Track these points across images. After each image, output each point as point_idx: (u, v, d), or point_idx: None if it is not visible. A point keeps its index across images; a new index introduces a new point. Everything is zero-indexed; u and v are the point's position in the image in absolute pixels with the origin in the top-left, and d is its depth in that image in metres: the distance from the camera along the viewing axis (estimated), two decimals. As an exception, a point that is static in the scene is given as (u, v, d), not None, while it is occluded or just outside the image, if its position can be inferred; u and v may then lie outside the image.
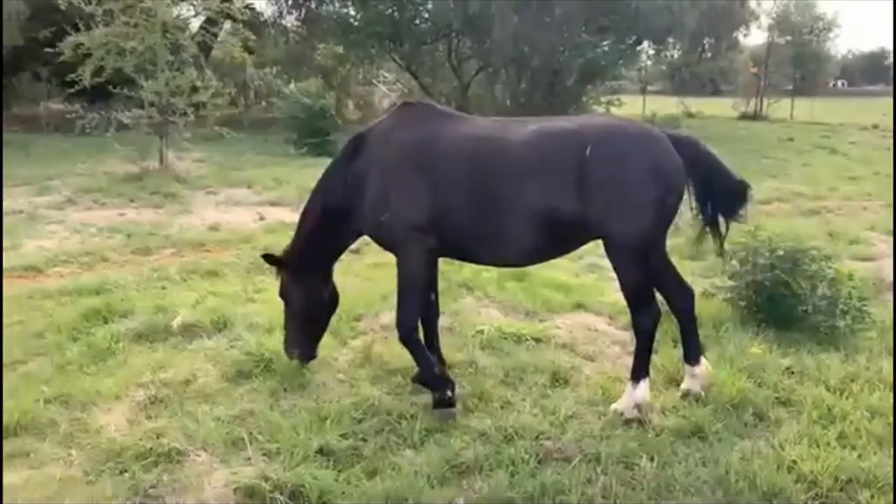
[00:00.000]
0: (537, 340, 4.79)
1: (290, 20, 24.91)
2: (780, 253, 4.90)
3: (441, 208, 3.69)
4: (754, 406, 3.83)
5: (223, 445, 3.45)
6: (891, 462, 3.31)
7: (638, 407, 3.71)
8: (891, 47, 60.16)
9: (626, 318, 4.26)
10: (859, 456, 3.35)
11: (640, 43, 23.53)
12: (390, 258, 4.00)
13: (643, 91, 33.72)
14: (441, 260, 4.13)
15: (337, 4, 22.48)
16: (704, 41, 44.57)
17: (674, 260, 4.10)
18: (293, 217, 5.02)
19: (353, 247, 4.44)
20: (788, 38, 34.15)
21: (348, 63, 22.88)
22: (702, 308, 4.53)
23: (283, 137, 16.46)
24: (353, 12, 21.77)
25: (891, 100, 25.53)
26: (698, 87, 46.09)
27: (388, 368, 4.32)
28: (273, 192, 10.53)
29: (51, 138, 16.61)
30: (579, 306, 5.51)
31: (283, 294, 4.22)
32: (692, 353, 3.97)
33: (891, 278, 6.11)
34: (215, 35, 17.12)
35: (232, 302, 5.43)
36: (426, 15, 21.22)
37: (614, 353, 4.67)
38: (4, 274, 6.09)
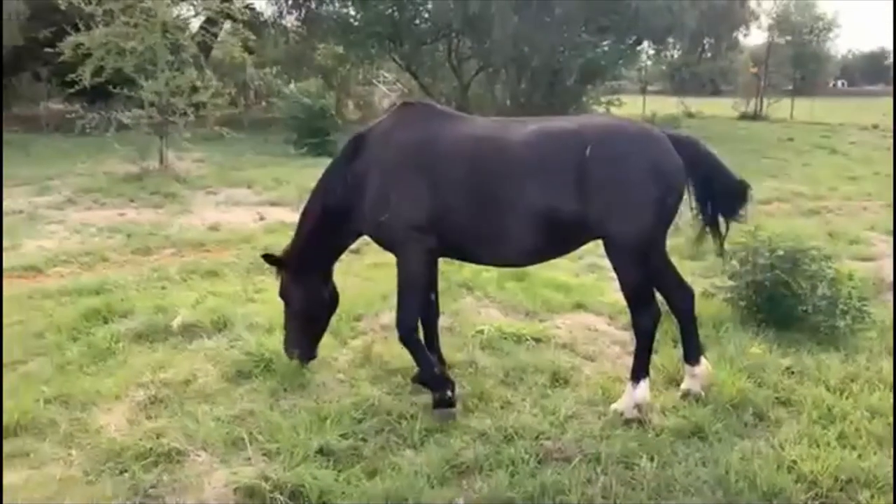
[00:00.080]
0: (537, 340, 4.79)
1: (290, 20, 24.94)
2: (780, 253, 4.90)
3: (441, 208, 3.69)
4: (754, 406, 3.83)
5: (223, 445, 3.45)
6: (891, 462, 3.31)
7: (638, 407, 3.71)
8: (891, 47, 60.22)
9: (626, 318, 4.26)
10: (859, 456, 3.35)
11: (640, 43, 23.53)
12: (390, 258, 4.00)
13: (643, 91, 33.72)
14: (441, 260, 4.13)
15: (337, 4, 22.48)
16: (704, 41, 44.57)
17: (674, 260, 4.10)
18: (293, 217, 5.02)
19: (353, 247, 4.44)
20: (788, 38, 34.15)
21: (348, 63, 22.88)
22: (702, 308, 4.53)
23: (283, 137, 16.47)
24: (353, 12, 21.77)
25: (891, 100, 25.53)
26: (698, 87, 46.08)
27: (388, 368, 4.32)
28: (273, 192, 10.53)
29: (51, 138, 16.61)
30: (579, 306, 5.51)
31: (283, 294, 4.22)
32: (692, 353, 3.97)
33: (891, 278, 6.11)
34: (215, 35, 17.12)
35: (232, 302, 5.43)
36: (426, 15, 21.22)
37: (614, 353, 4.67)
38: (4, 274, 6.09)
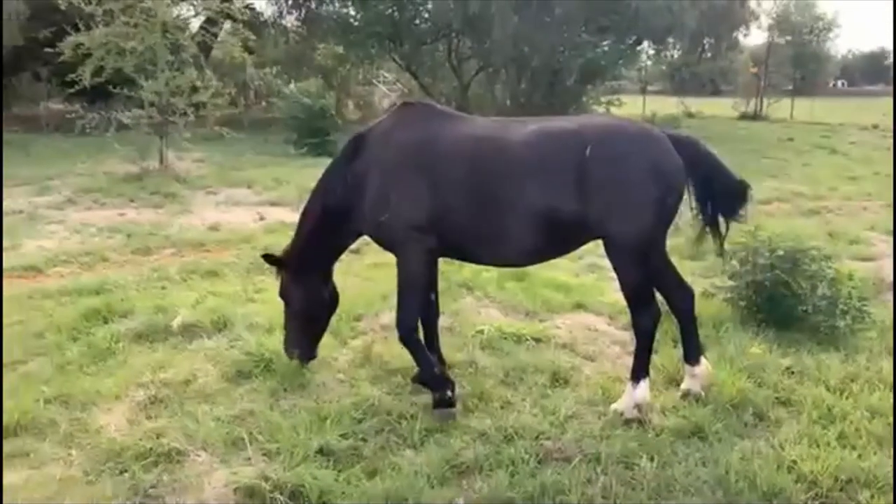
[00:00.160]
0: (537, 340, 4.79)
1: (290, 20, 24.94)
2: (780, 253, 4.90)
3: (441, 208, 3.69)
4: (754, 406, 3.83)
5: (223, 445, 3.45)
6: (891, 462, 3.31)
7: (638, 407, 3.71)
8: (891, 47, 60.21)
9: (626, 318, 4.26)
10: (859, 456, 3.35)
11: (640, 43, 23.53)
12: (390, 258, 4.00)
13: (643, 91, 33.71)
14: (441, 260, 4.13)
15: (337, 4, 22.48)
16: (704, 41, 44.56)
17: (674, 260, 4.10)
18: (293, 217, 5.02)
19: (353, 247, 4.44)
20: (788, 38, 34.14)
21: (348, 63, 22.88)
22: (702, 308, 4.53)
23: (283, 137, 16.47)
24: (353, 12, 21.77)
25: (891, 100, 25.53)
26: (698, 87, 46.07)
27: (388, 368, 4.32)
28: (273, 192, 10.53)
29: (51, 138, 16.61)
30: (579, 306, 5.51)
31: (283, 294, 4.22)
32: (692, 353, 3.97)
33: (891, 278, 6.11)
34: (215, 35, 17.12)
35: (232, 302, 5.43)
36: (426, 15, 21.22)
37: (614, 353, 4.67)
38: (4, 274, 6.09)
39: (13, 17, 17.47)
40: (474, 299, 5.63)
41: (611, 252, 3.68)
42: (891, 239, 7.67)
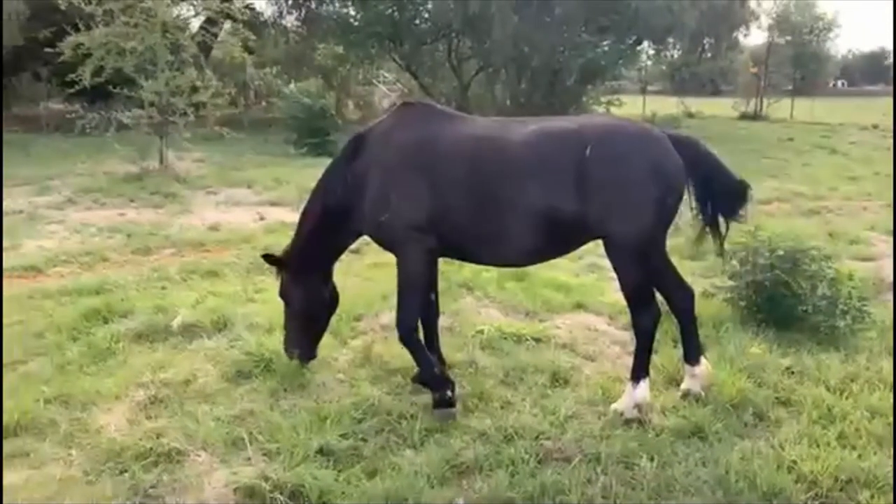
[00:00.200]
0: (537, 340, 4.79)
1: (290, 20, 24.95)
2: (780, 253, 4.90)
3: (441, 208, 3.69)
4: (754, 406, 3.83)
5: (223, 445, 3.45)
6: (891, 462, 3.31)
7: (638, 407, 3.71)
8: (891, 47, 60.18)
9: (626, 318, 4.26)
10: (859, 456, 3.35)
11: (640, 43, 23.51)
12: (390, 258, 4.00)
13: (643, 91, 33.71)
14: (441, 260, 4.12)
15: (337, 4, 22.47)
16: (704, 41, 44.49)
17: (674, 260, 4.10)
18: (293, 217, 5.02)
19: (353, 247, 4.44)
20: (788, 38, 34.09)
21: (348, 63, 22.86)
22: (702, 308, 4.53)
23: (283, 137, 16.47)
24: (353, 12, 21.76)
25: (891, 100, 25.53)
26: (698, 87, 46.04)
27: (388, 368, 4.32)
28: (273, 192, 10.53)
29: (51, 138, 16.60)
30: (579, 306, 5.51)
31: (283, 294, 4.22)
32: (692, 353, 3.97)
33: (891, 278, 6.11)
34: (215, 35, 17.13)
35: (232, 302, 5.43)
36: (426, 15, 21.21)
37: (614, 353, 4.67)
38: (4, 274, 6.09)
39: (13, 17, 17.47)
40: (474, 299, 5.63)
41: (611, 252, 3.68)
42: (891, 239, 7.67)
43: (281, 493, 3.03)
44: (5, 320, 4.89)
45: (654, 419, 3.72)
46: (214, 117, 13.93)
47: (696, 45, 43.22)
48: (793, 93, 31.60)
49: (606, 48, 20.40)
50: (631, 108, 25.63)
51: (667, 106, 28.85)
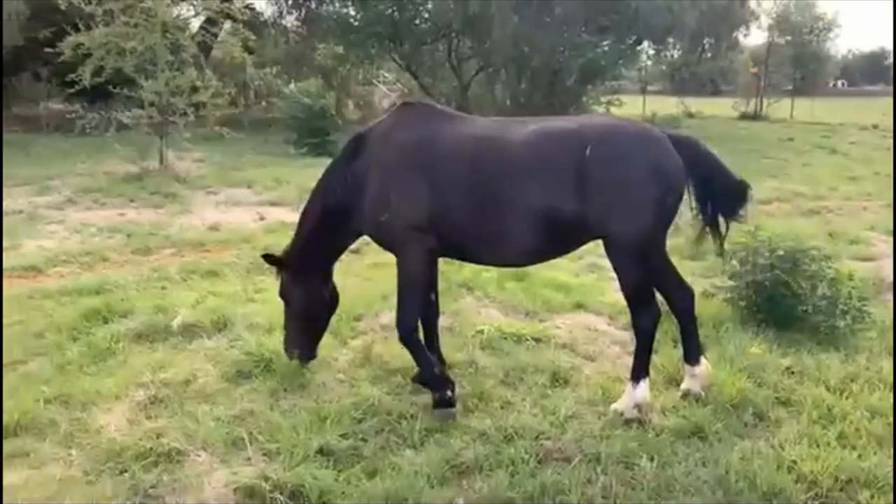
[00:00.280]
0: (537, 340, 4.79)
1: (290, 20, 24.95)
2: (780, 253, 4.90)
3: (441, 208, 3.69)
4: (754, 406, 3.83)
5: (223, 445, 3.44)
6: (891, 462, 3.31)
7: (638, 407, 3.71)
8: (891, 47, 60.17)
9: (626, 318, 4.26)
10: (859, 456, 3.35)
11: (640, 43, 23.51)
12: (390, 258, 4.00)
13: (643, 91, 33.70)
14: (441, 260, 4.12)
15: (337, 4, 22.47)
16: (704, 41, 44.48)
17: (674, 260, 4.10)
18: (293, 217, 5.02)
19: (353, 247, 4.44)
20: (788, 38, 34.08)
21: (348, 63, 22.87)
22: (702, 308, 4.53)
23: (283, 137, 16.47)
24: (353, 12, 21.76)
25: (891, 100, 25.53)
26: (698, 87, 46.04)
27: (388, 368, 4.32)
28: (273, 192, 10.53)
29: (51, 138, 16.60)
30: (579, 306, 5.51)
31: (283, 294, 4.22)
32: (692, 353, 3.97)
33: (891, 278, 6.11)
34: (215, 35, 17.13)
35: (232, 302, 5.43)
36: (426, 15, 21.21)
37: (614, 353, 4.67)
38: (4, 274, 6.09)
39: (13, 17, 17.47)
40: (474, 299, 5.63)
41: (611, 252, 3.68)
42: (891, 239, 7.67)
43: (281, 493, 3.03)
44: (5, 320, 4.89)
45: (654, 419, 3.72)
46: (214, 117, 13.93)
47: (696, 45, 43.21)
48: (793, 93, 31.60)
49: (606, 48, 20.39)
50: (631, 108, 25.63)
51: (667, 106, 28.85)
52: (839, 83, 64.39)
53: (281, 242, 4.75)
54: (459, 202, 3.69)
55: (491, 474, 3.23)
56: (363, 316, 5.20)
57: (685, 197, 3.80)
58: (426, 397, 3.86)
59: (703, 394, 3.92)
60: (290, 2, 23.94)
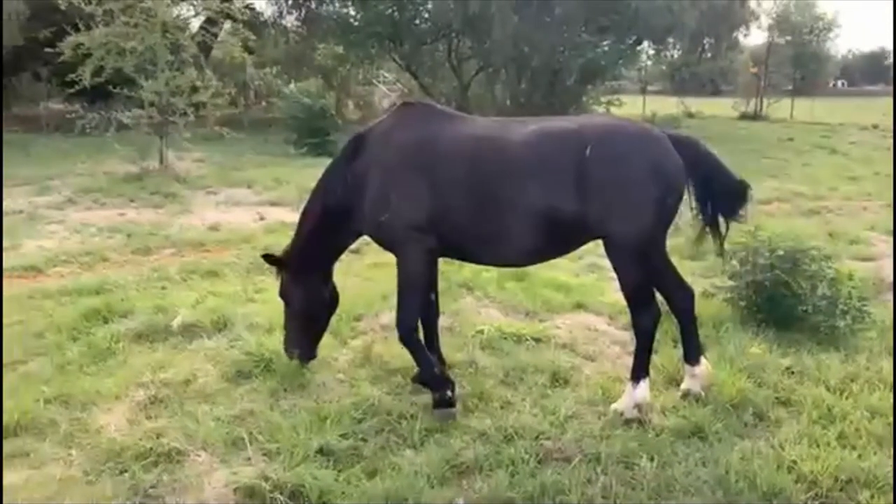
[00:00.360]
0: (537, 340, 4.79)
1: (290, 20, 24.95)
2: (780, 253, 4.90)
3: (441, 208, 3.69)
4: (754, 406, 3.83)
5: (223, 445, 3.45)
6: (891, 462, 3.31)
7: (638, 407, 3.71)
8: (891, 47, 60.17)
9: (626, 318, 4.26)
10: (859, 456, 3.35)
11: (640, 43, 23.51)
12: (390, 258, 4.00)
13: (643, 91, 33.70)
14: (441, 260, 4.12)
15: (337, 4, 22.48)
16: (704, 41, 44.51)
17: (674, 260, 4.09)
18: (293, 217, 5.02)
19: (353, 247, 4.44)
20: (788, 38, 34.08)
21: (348, 63, 22.87)
22: (702, 308, 4.53)
23: (283, 137, 16.47)
24: (353, 12, 21.77)
25: (891, 100, 25.53)
26: (698, 87, 46.04)
27: (388, 368, 4.32)
28: (273, 192, 10.53)
29: (51, 138, 16.60)
30: (579, 306, 5.51)
31: (283, 294, 4.22)
32: (692, 353, 3.97)
33: (891, 278, 6.11)
34: (215, 35, 17.13)
35: (232, 302, 5.43)
36: (426, 15, 21.21)
37: (614, 353, 4.67)
38: (4, 274, 6.09)
39: (13, 17, 17.47)
40: (474, 299, 5.63)
41: (611, 252, 3.68)
42: (891, 239, 7.67)
43: (281, 493, 3.03)
44: (5, 320, 4.89)
45: (654, 419, 3.72)
46: (214, 117, 13.93)
47: (696, 45, 43.24)
48: (793, 93, 31.60)
49: (606, 48, 20.40)
50: (631, 108, 25.63)
51: (667, 106, 28.85)
52: (839, 83, 64.38)
53: (281, 242, 4.75)
54: (459, 202, 3.69)
55: (491, 474, 3.23)
56: (363, 316, 5.20)
57: (685, 197, 3.80)
58: (426, 397, 3.86)
59: (703, 394, 3.92)
60: (290, 2, 23.95)
